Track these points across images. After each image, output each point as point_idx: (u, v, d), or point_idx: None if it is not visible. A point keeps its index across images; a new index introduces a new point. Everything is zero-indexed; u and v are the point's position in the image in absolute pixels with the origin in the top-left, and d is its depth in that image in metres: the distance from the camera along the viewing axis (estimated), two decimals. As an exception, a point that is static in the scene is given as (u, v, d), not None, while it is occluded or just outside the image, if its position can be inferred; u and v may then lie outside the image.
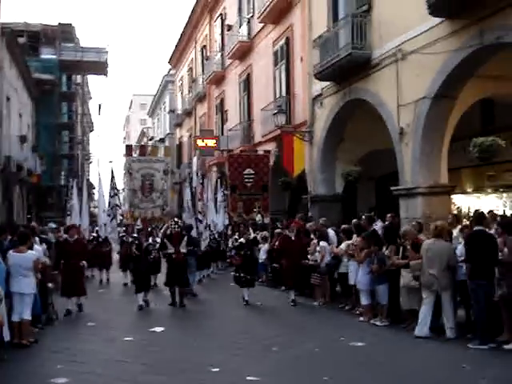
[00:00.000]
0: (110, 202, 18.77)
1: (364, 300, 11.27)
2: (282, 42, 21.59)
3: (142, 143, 40.07)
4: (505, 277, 8.77)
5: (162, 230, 15.57)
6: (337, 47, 15.78)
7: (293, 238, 13.71)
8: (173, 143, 43.81)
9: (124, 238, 17.49)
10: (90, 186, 39.37)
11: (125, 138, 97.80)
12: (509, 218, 11.32)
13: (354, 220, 13.92)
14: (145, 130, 66.68)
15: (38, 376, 7.60)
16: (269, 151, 20.64)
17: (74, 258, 12.52)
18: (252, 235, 14.86)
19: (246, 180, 18.51)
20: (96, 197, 29.19)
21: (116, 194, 18.93)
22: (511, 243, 8.76)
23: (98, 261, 18.44)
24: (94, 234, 20.07)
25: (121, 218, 19.76)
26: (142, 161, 15.40)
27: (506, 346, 8.56)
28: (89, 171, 56.43)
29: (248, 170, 18.58)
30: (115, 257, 20.03)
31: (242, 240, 14.52)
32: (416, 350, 8.84)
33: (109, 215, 18.59)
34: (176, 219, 15.24)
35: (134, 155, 16.33)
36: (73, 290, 12.56)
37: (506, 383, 7.21)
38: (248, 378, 7.27)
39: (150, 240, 14.95)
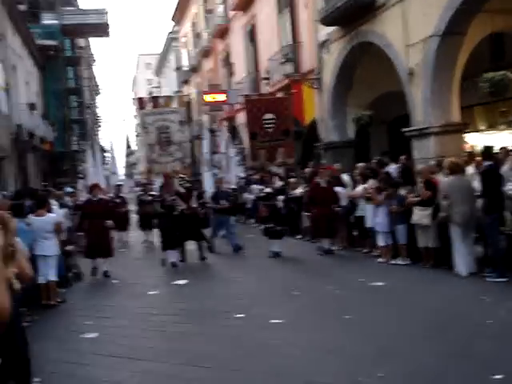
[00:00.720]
0: (126, 162, 18.77)
1: (382, 241, 11.39)
2: (285, -12, 21.27)
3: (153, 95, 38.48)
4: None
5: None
6: (341, -10, 15.51)
7: (324, 185, 13.05)
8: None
9: (142, 197, 17.36)
10: (102, 150, 39.51)
11: (133, 99, 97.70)
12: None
13: (361, 164, 13.92)
14: (152, 90, 66.36)
15: (69, 332, 7.86)
16: (290, 93, 18.95)
17: (99, 218, 11.95)
18: (278, 184, 14.00)
19: (267, 126, 16.66)
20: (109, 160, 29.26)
21: (132, 153, 18.84)
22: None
23: (116, 222, 18.42)
24: (111, 195, 19.84)
25: (137, 178, 19.68)
26: (156, 113, 14.54)
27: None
28: (99, 135, 56.57)
29: (268, 115, 16.73)
30: (133, 217, 20.16)
31: (268, 190, 13.77)
32: (436, 286, 8.98)
33: (126, 175, 18.62)
34: (182, 175, 14.89)
35: (147, 108, 15.74)
36: (98, 252, 12.11)
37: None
38: (272, 321, 7.47)
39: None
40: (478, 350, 5.92)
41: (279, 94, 18.87)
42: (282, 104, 17.61)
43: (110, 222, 12.19)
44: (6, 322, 2.68)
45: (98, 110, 56.14)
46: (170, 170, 14.35)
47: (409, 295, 8.55)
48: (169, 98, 16.58)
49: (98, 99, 59.59)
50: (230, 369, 5.94)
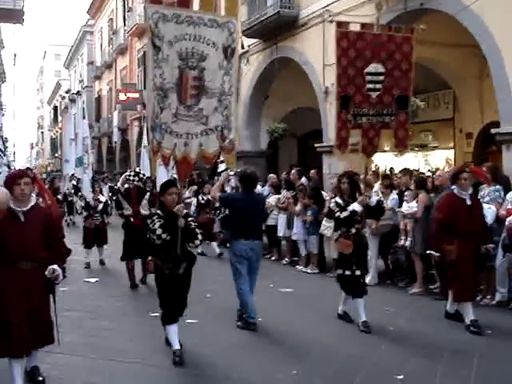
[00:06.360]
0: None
1: (302, 250, 11.87)
2: (208, -4, 21.50)
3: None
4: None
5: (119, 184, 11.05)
6: (265, 5, 16.05)
7: (468, 201, 7.44)
8: (91, 97, 42.80)
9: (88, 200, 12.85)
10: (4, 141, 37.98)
11: (38, 90, 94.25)
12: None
13: (272, 175, 14.41)
14: (60, 81, 64.52)
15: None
16: (412, 29, 8.40)
17: None
18: (374, 199, 8.20)
19: (370, 86, 7.96)
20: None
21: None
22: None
23: None
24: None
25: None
26: (181, 20, 6.08)
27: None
28: (2, 123, 54.27)
29: (374, 66, 7.96)
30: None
31: (356, 207, 7.66)
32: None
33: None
34: (138, 169, 11.89)
35: (165, 6, 7.29)
36: None
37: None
38: (187, 321, 7.70)
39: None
40: (381, 353, 6.45)
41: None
42: (399, 48, 8.19)
43: None
44: None
45: (1, 98, 53.85)
46: (196, 154, 6.66)
47: (316, 301, 9.04)
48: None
49: (3, 87, 57.13)
50: (149, 364, 6.16)
